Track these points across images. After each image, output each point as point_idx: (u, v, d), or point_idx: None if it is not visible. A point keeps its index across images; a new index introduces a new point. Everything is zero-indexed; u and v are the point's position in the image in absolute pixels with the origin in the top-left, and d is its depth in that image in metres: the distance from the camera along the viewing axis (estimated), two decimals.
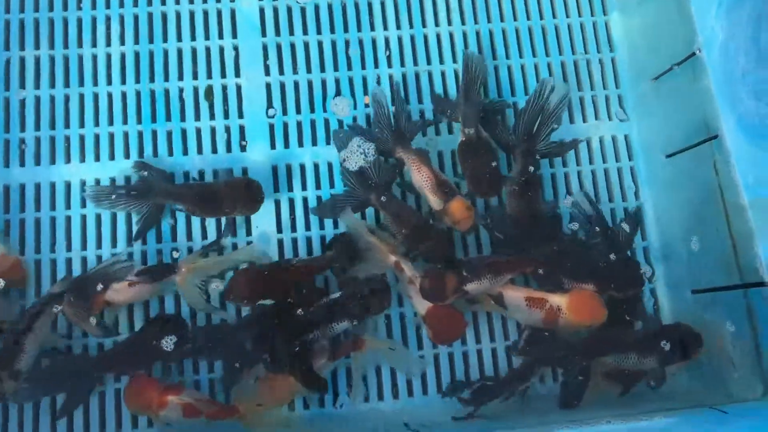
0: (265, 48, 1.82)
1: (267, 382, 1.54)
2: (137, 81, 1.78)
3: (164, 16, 1.82)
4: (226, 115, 1.78)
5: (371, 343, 1.60)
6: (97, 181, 1.71)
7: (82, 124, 1.75)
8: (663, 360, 1.56)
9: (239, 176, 1.72)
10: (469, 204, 1.61)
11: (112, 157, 1.73)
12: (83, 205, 1.70)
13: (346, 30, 1.84)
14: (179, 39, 1.81)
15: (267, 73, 1.81)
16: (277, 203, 1.74)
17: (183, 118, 1.77)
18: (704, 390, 1.59)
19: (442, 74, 1.84)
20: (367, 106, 1.79)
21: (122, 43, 1.80)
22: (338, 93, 1.80)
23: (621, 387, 1.60)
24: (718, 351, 1.57)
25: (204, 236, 1.71)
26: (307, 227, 1.73)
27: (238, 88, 1.80)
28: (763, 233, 1.43)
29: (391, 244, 1.62)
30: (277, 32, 1.83)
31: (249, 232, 1.71)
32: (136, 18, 1.81)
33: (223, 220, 1.70)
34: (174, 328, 1.54)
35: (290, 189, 1.75)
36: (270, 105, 1.79)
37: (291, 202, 1.74)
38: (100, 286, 1.54)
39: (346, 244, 1.62)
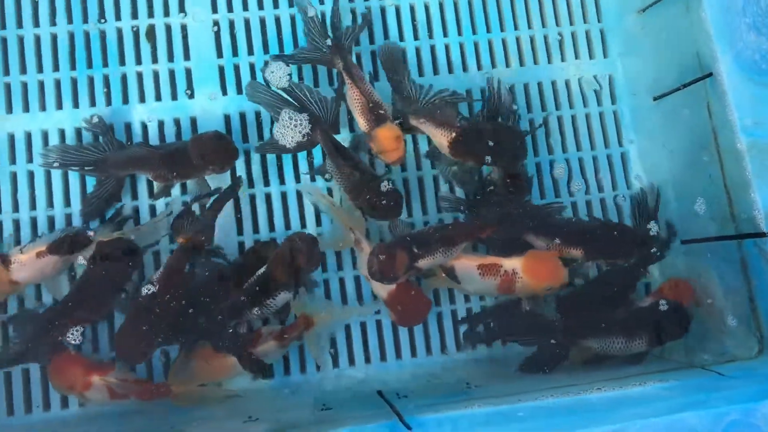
0: None
1: (205, 359, 1.42)
2: (69, 22, 1.58)
3: None
4: (171, 59, 1.60)
5: (321, 318, 1.48)
6: (28, 135, 1.54)
7: (6, 72, 1.56)
8: (651, 343, 1.46)
9: (206, 131, 1.50)
10: (399, 134, 1.47)
11: (42, 107, 1.55)
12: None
13: None
14: None
15: (215, 10, 1.62)
16: None
17: (122, 62, 1.59)
18: (698, 347, 1.50)
19: (411, 9, 1.68)
20: None
21: None
22: (294, 32, 1.62)
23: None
24: (710, 307, 1.48)
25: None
26: (266, 183, 1.58)
27: (183, 27, 1.61)
28: (762, 179, 1.32)
29: (351, 219, 1.49)
30: None
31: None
32: None
33: None
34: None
35: (245, 140, 1.58)
36: (219, 45, 1.61)
37: (246, 155, 1.58)
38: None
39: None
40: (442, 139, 1.48)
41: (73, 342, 1.39)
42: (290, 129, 1.47)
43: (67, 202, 1.53)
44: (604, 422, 1.08)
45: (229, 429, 1.30)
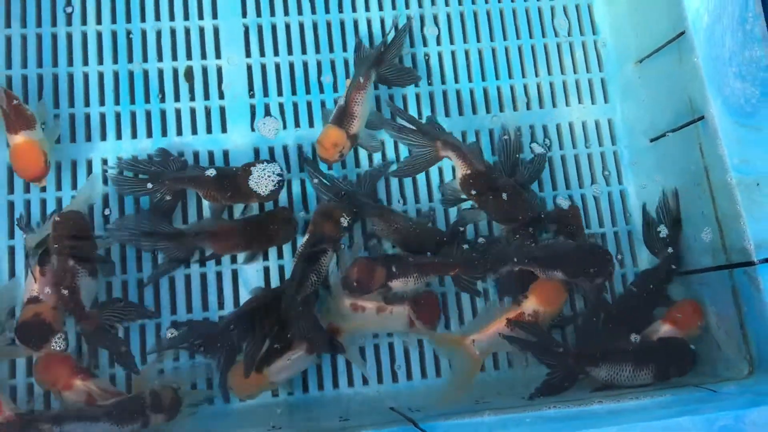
0: (246, 29, 1.78)
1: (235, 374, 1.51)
2: (115, 62, 1.73)
3: None
4: (207, 97, 1.74)
5: (348, 327, 1.58)
6: (73, 163, 1.67)
7: (56, 105, 1.69)
8: (657, 377, 1.51)
9: (258, 160, 1.64)
10: (341, 142, 1.59)
11: (88, 138, 1.68)
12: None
13: (327, 11, 1.81)
14: (157, 18, 1.76)
15: (248, 54, 1.77)
16: None
17: (162, 99, 1.72)
18: (692, 371, 1.59)
19: (425, 57, 1.82)
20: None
21: (98, 22, 1.74)
22: (320, 74, 1.77)
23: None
24: (703, 333, 1.58)
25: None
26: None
27: (219, 69, 1.76)
28: (750, 212, 1.43)
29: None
30: (258, 13, 1.79)
31: (230, 215, 1.68)
32: None
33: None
34: None
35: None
36: (251, 87, 1.75)
37: None
38: None
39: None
40: (459, 170, 1.61)
41: (57, 348, 1.47)
42: (265, 179, 1.56)
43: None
44: (606, 425, 1.18)
45: None
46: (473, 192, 1.60)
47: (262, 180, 1.54)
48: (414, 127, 1.62)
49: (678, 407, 1.26)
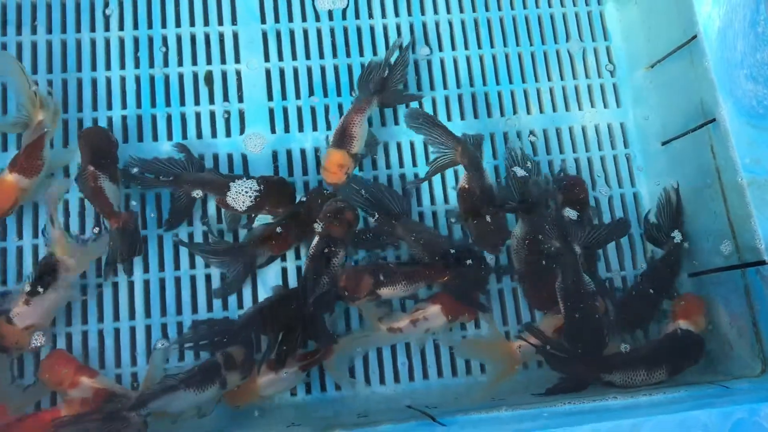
0: (264, 35, 1.82)
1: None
2: (137, 66, 1.77)
3: (163, 2, 1.81)
4: (226, 100, 1.78)
5: (339, 347, 1.61)
6: None
7: (80, 108, 1.73)
8: (672, 371, 1.53)
9: (272, 176, 1.71)
10: (345, 163, 1.62)
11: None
12: None
13: (344, 17, 1.85)
14: (178, 25, 1.80)
15: (267, 59, 1.81)
16: None
17: (183, 103, 1.76)
18: (706, 370, 1.61)
19: (441, 61, 1.86)
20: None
21: (121, 28, 1.79)
22: (337, 81, 1.81)
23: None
24: (716, 333, 1.61)
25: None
26: None
27: (238, 73, 1.80)
28: (762, 212, 1.46)
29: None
30: (277, 19, 1.83)
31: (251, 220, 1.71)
32: (134, 3, 1.80)
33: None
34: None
35: (290, 174, 1.75)
36: (270, 90, 1.79)
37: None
38: None
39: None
40: (462, 180, 1.67)
41: (36, 344, 1.52)
42: (242, 195, 1.61)
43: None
44: (622, 417, 1.20)
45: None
46: (463, 206, 1.67)
47: (239, 196, 1.60)
48: (441, 129, 1.66)
49: (692, 402, 1.28)
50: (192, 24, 1.81)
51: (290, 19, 1.84)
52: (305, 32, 1.84)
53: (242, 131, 1.76)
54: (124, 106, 1.75)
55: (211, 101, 1.77)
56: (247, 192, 1.60)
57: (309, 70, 1.82)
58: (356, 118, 1.66)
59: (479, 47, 1.87)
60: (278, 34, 1.83)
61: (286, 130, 1.77)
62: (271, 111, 1.78)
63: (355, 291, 1.58)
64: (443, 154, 1.67)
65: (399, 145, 1.80)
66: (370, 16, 1.86)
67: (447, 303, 1.61)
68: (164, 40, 1.79)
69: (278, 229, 1.61)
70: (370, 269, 1.60)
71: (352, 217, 1.59)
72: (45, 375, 1.51)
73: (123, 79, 1.76)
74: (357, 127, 1.65)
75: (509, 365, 1.60)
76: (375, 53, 1.83)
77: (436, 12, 1.88)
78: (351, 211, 1.60)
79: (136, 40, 1.78)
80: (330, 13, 1.85)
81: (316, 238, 1.59)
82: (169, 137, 1.74)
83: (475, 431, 1.28)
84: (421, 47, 1.85)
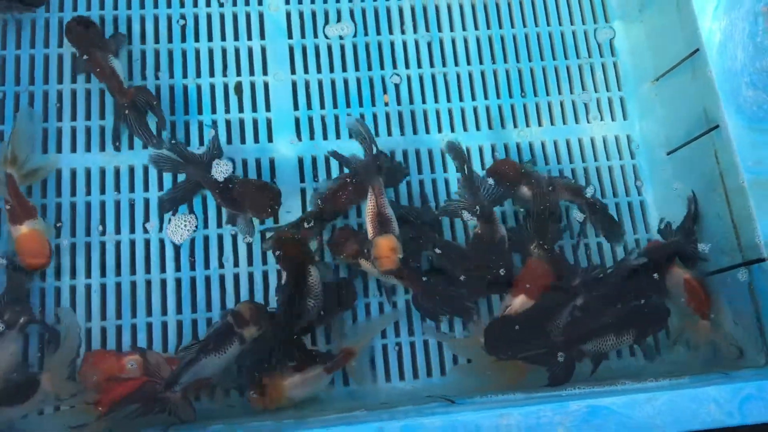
0: (291, 49, 1.93)
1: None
2: (171, 76, 1.88)
3: (196, 18, 1.93)
4: (254, 109, 1.88)
5: (361, 345, 1.68)
6: (131, 169, 1.80)
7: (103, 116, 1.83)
8: (639, 336, 1.63)
9: (257, 179, 1.81)
10: (395, 246, 1.61)
11: (145, 146, 1.81)
12: (116, 189, 1.78)
13: (366, 33, 1.96)
14: (210, 39, 1.92)
15: (293, 71, 1.92)
16: (303, 192, 1.83)
17: (213, 111, 1.87)
18: (710, 368, 1.68)
19: (457, 75, 1.96)
20: (386, 104, 1.91)
21: (156, 41, 1.90)
22: (359, 92, 1.91)
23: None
24: (721, 330, 1.68)
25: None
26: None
27: (266, 84, 1.90)
28: (763, 210, 1.55)
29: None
30: (303, 35, 1.95)
31: (276, 220, 1.79)
32: (169, 18, 1.92)
33: None
34: None
35: (315, 179, 1.84)
36: (296, 100, 1.90)
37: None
38: None
39: None
40: (477, 228, 1.76)
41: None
42: (181, 228, 1.73)
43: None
44: (635, 393, 1.27)
45: (305, 414, 1.50)
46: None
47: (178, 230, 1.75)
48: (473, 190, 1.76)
49: (701, 381, 1.35)
50: (223, 38, 1.92)
51: (315, 35, 1.95)
52: (329, 47, 1.94)
53: (270, 139, 1.86)
54: None
55: (240, 110, 1.88)
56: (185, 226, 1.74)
57: (333, 82, 1.92)
58: (382, 200, 1.67)
59: (493, 62, 1.98)
60: (304, 49, 1.94)
61: (311, 138, 1.87)
62: (297, 120, 1.88)
63: (342, 249, 1.69)
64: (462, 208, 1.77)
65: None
66: (390, 32, 1.97)
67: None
68: (197, 53, 1.90)
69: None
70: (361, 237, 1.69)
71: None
72: (90, 372, 1.52)
73: (158, 88, 1.86)
74: (388, 208, 1.67)
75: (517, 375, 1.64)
76: (395, 67, 1.94)
77: (452, 29, 1.99)
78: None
79: (170, 53, 1.89)
80: (354, 29, 1.96)
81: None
82: (200, 143, 1.84)
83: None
84: (437, 62, 1.97)
